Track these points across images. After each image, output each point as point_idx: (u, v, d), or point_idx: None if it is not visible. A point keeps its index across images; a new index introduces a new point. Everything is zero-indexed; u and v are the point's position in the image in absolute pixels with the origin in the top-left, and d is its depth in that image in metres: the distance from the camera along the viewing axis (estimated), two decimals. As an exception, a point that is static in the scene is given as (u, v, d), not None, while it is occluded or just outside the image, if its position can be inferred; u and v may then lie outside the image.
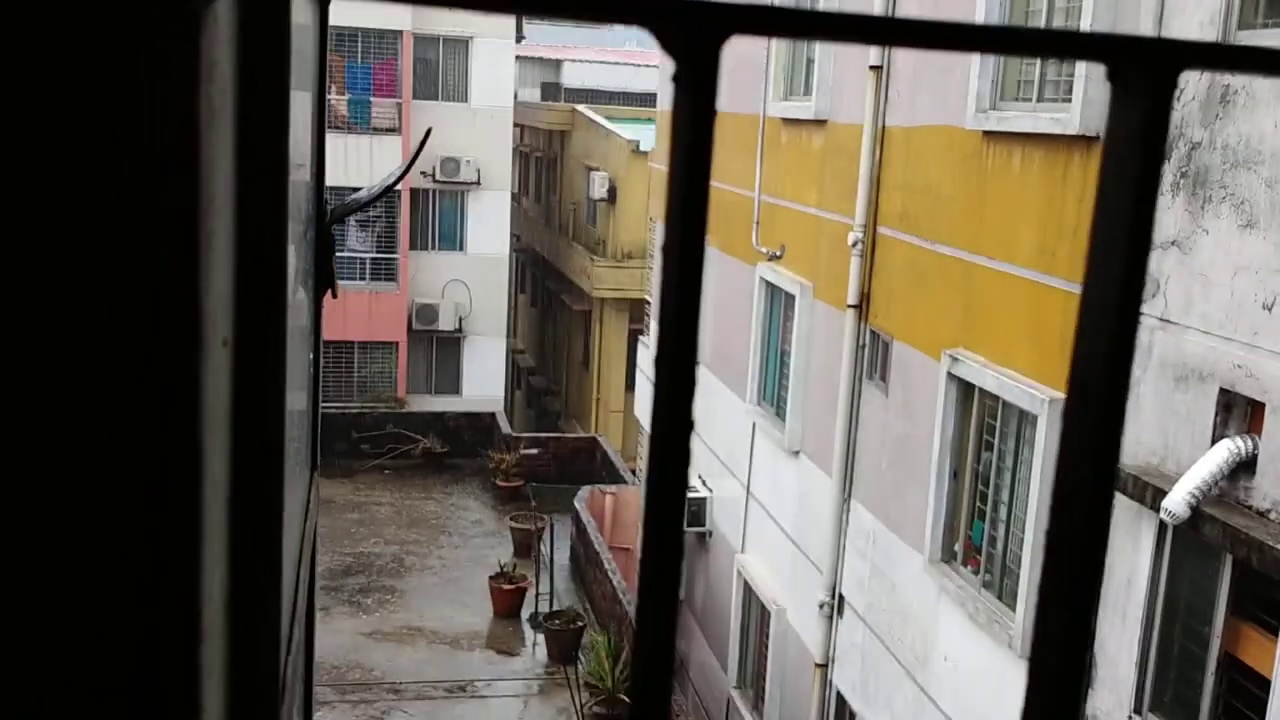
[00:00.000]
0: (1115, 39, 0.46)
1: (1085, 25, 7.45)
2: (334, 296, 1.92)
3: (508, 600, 17.99)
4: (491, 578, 18.20)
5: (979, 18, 8.67)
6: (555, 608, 17.50)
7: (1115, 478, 0.49)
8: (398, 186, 25.56)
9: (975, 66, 8.72)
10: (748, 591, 13.46)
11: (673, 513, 0.43)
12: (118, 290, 0.50)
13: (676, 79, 0.39)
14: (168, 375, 0.52)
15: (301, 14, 1.48)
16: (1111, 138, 0.46)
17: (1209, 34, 6.44)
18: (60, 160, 0.48)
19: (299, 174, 1.58)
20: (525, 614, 18.01)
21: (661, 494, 0.42)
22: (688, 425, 0.43)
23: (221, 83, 0.64)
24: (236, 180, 0.74)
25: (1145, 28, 6.90)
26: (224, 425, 0.74)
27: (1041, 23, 8.25)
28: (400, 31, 25.71)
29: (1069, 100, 7.72)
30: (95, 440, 0.53)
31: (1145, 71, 0.45)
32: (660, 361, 0.41)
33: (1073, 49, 0.47)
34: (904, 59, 10.08)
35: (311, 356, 1.86)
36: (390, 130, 25.73)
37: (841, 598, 11.10)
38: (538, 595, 17.83)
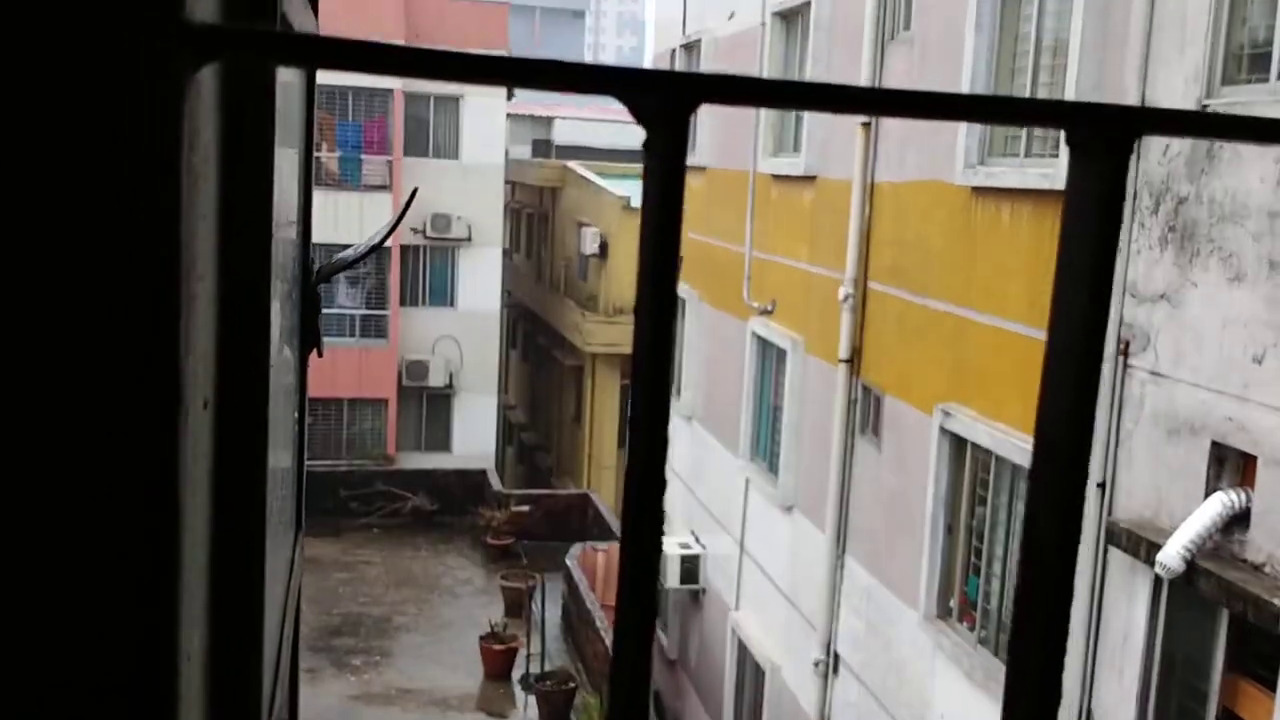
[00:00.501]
0: (1073, 106, 0.47)
1: (1071, 80, 7.54)
2: (319, 355, 1.90)
3: (498, 661, 17.78)
4: (482, 638, 18.00)
5: (965, 73, 8.77)
6: (547, 668, 17.30)
7: (1079, 530, 0.49)
8: (387, 243, 25.65)
9: (963, 122, 8.81)
10: (742, 649, 13.33)
11: (648, 571, 0.42)
12: (96, 352, 0.51)
13: (646, 146, 0.40)
14: (146, 437, 0.52)
15: (287, 72, 1.49)
16: (1071, 200, 0.47)
17: (1193, 90, 6.52)
18: (42, 223, 0.49)
19: (285, 232, 1.57)
20: (516, 675, 17.80)
21: (637, 545, 0.41)
22: (660, 485, 0.42)
23: (205, 149, 0.64)
24: (220, 243, 0.74)
25: (1129, 83, 6.98)
26: (205, 486, 0.73)
27: (1028, 78, 8.35)
28: (391, 90, 25.95)
29: (1056, 155, 7.79)
30: (72, 499, 0.52)
31: (1103, 137, 0.45)
32: (634, 424, 0.41)
33: (1031, 116, 0.49)
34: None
35: (297, 415, 1.84)
36: (381, 187, 25.87)
37: (837, 655, 11.00)
38: (529, 655, 17.63)
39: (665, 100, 0.40)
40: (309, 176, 1.95)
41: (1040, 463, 0.48)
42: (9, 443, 0.51)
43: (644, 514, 0.43)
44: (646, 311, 0.42)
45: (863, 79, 10.39)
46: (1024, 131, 8.38)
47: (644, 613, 0.43)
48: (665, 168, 0.41)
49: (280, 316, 1.50)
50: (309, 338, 1.83)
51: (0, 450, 0.51)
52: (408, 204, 3.44)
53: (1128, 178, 0.47)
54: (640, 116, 0.40)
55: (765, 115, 12.85)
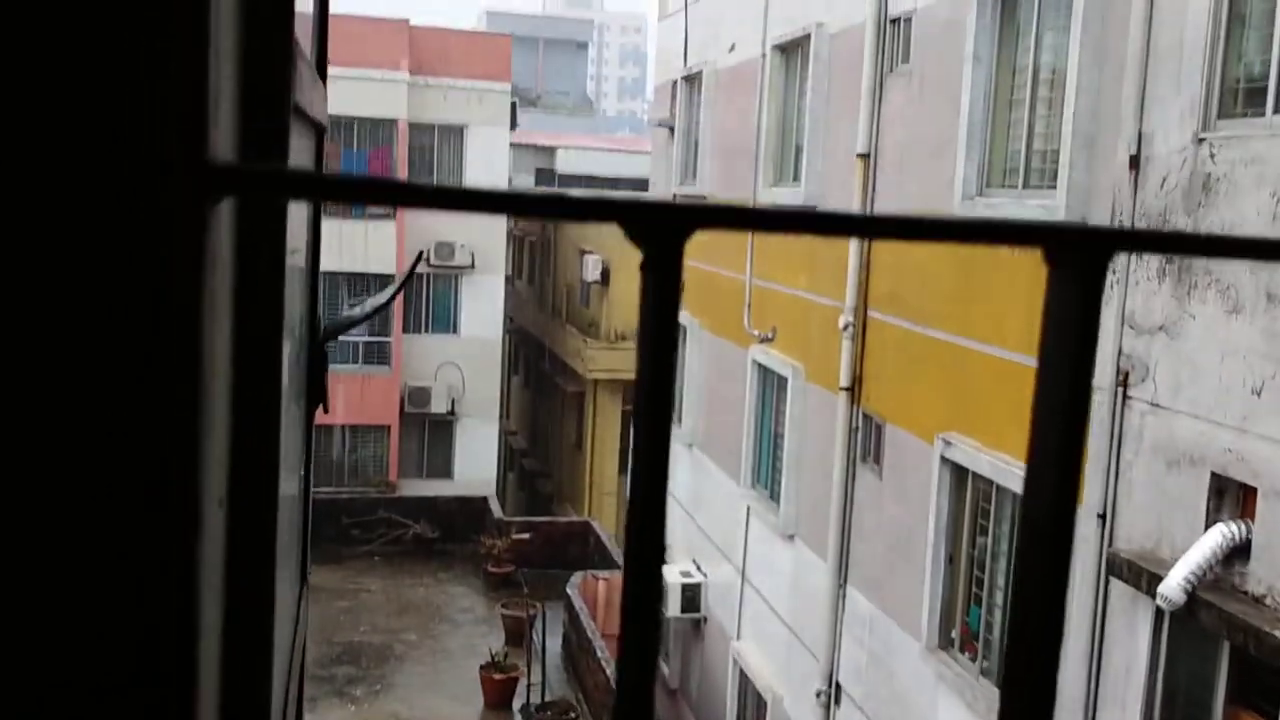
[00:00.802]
0: (1049, 227, 0.49)
1: (1068, 113, 7.58)
2: (325, 412, 1.93)
3: (499, 690, 17.70)
4: (482, 667, 17.93)
5: (964, 105, 8.83)
6: (548, 698, 17.22)
7: (1059, 653, 0.51)
8: (391, 270, 25.72)
9: (961, 153, 8.86)
10: (743, 679, 13.27)
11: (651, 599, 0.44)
12: (120, 464, 0.53)
13: (643, 267, 0.43)
14: (164, 538, 0.55)
15: (303, 145, 1.51)
16: (1049, 316, 0.50)
17: (1189, 123, 6.56)
18: (78, 347, 0.52)
19: (295, 294, 1.60)
20: (517, 705, 17.71)
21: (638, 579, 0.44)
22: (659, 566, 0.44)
23: (222, 269, 0.68)
24: (234, 349, 0.77)
25: (1126, 116, 7.03)
26: (217, 582, 0.75)
27: (1025, 110, 8.40)
28: (396, 120, 26.09)
29: (1054, 187, 7.83)
30: (93, 611, 0.54)
31: (1077, 256, 0.48)
32: (628, 536, 0.44)
33: (1008, 236, 0.51)
34: (891, 146, 10.24)
35: (303, 472, 1.86)
36: (385, 216, 25.96)
37: (839, 686, 10.95)
38: (529, 685, 17.55)
39: (662, 228, 0.43)
40: (318, 231, 1.97)
41: (1025, 564, 0.50)
42: (35, 550, 0.53)
43: (645, 552, 0.45)
44: (644, 429, 0.44)
45: (862, 112, 10.46)
46: (1022, 162, 8.43)
47: (647, 647, 0.45)
48: (661, 289, 0.43)
49: (288, 377, 1.53)
50: (315, 395, 1.85)
51: (25, 556, 0.53)
52: (414, 265, 3.48)
53: (1103, 292, 0.50)
54: (638, 241, 0.43)
55: (765, 145, 12.92)
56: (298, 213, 1.63)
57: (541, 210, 0.43)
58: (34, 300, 0.51)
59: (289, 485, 1.56)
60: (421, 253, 4.10)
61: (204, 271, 0.53)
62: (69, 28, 0.51)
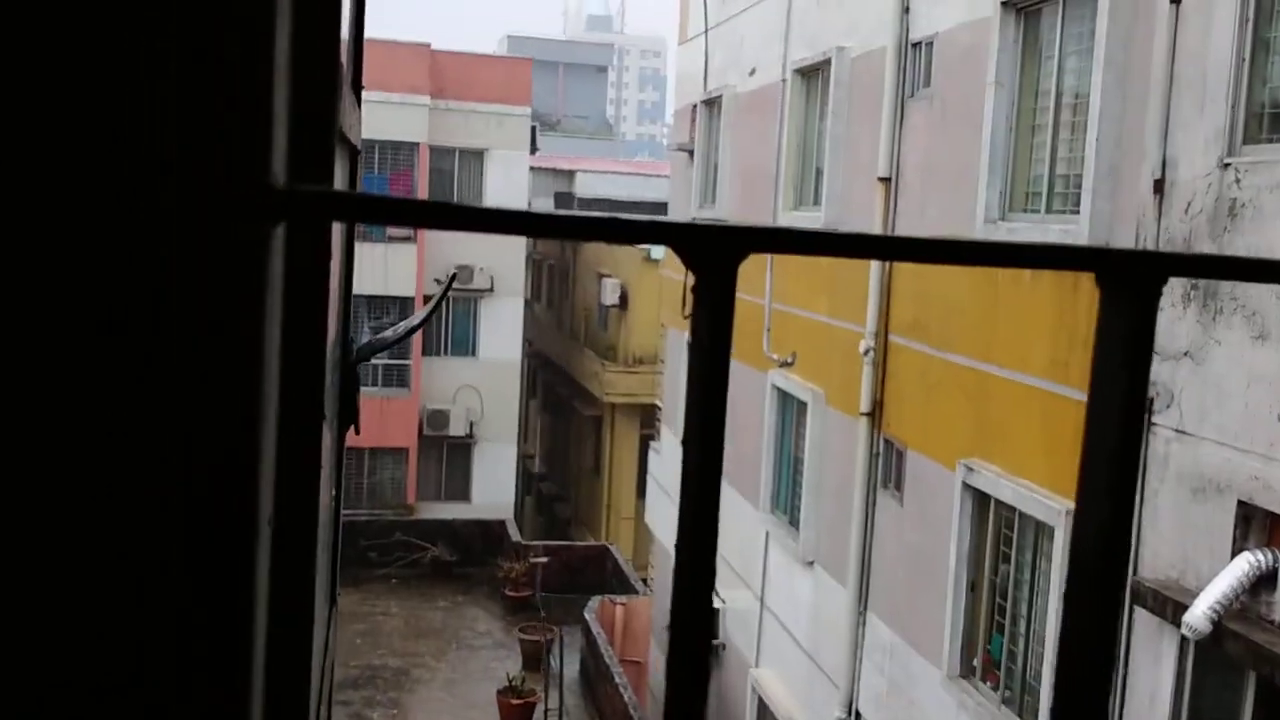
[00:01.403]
0: (1104, 252, 0.49)
1: (1091, 138, 7.55)
2: (357, 433, 1.92)
3: (516, 716, 17.63)
4: (499, 692, 17.87)
5: (985, 130, 8.81)
6: (565, 721, 17.15)
7: (1110, 679, 0.48)
8: (410, 294, 25.81)
9: (983, 177, 8.84)
10: (762, 707, 13.18)
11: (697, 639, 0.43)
12: (185, 478, 0.55)
13: (696, 291, 0.42)
14: (224, 560, 0.56)
15: (342, 167, 1.52)
16: (1101, 339, 0.49)
17: (1214, 149, 6.52)
18: (141, 365, 0.54)
19: (330, 319, 1.61)
20: (534, 728, 17.64)
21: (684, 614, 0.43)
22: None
23: (274, 286, 0.69)
24: (282, 370, 0.77)
25: (1150, 142, 6.99)
26: (263, 599, 0.76)
27: (1048, 135, 8.37)
28: (417, 144, 26.24)
29: (1077, 212, 7.80)
30: (153, 629, 0.55)
31: (1131, 281, 0.47)
32: (677, 574, 0.43)
33: (1063, 260, 0.50)
34: (912, 170, 10.22)
35: (335, 493, 1.86)
36: (405, 239, 26.09)
37: (859, 714, 10.86)
38: (547, 710, 17.48)
39: (715, 251, 0.44)
40: (351, 254, 1.97)
41: (1074, 594, 0.49)
42: (94, 557, 0.54)
43: (695, 589, 0.44)
44: (695, 445, 0.44)
45: (883, 136, 10.45)
46: (1045, 187, 8.40)
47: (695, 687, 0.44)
48: (713, 313, 0.44)
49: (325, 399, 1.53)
50: (348, 416, 1.84)
51: (85, 573, 0.54)
52: (446, 287, 3.50)
53: (1155, 319, 0.49)
54: (690, 264, 0.43)
55: (785, 168, 12.93)
56: (333, 236, 1.64)
57: (597, 234, 0.42)
58: (101, 322, 0.53)
59: (322, 509, 1.56)
60: (454, 274, 4.13)
61: (265, 293, 0.54)
62: (143, 54, 0.52)
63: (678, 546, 0.45)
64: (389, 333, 3.00)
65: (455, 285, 26.83)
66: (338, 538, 1.96)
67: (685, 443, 0.44)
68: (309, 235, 0.84)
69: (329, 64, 0.93)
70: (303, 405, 0.86)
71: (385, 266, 25.54)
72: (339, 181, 1.54)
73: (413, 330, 2.99)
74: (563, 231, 0.41)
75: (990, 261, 0.47)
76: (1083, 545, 0.50)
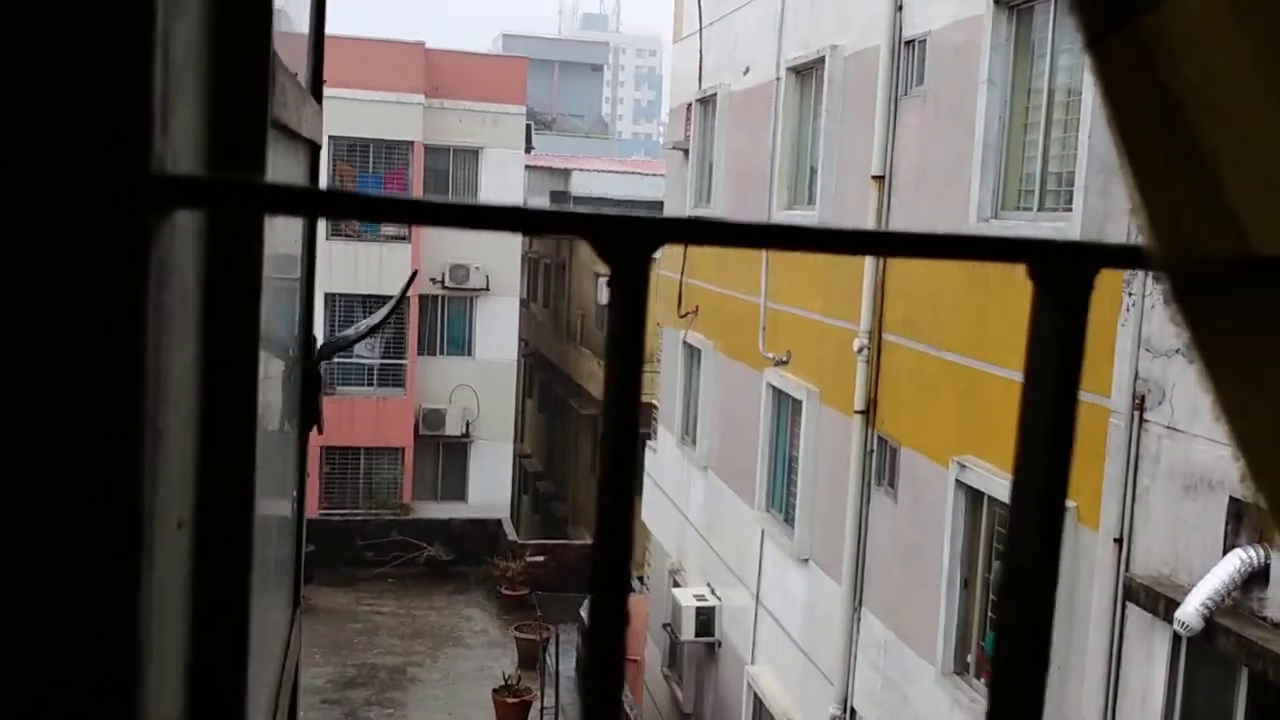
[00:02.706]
0: (1034, 243, 0.49)
1: (1084, 134, 7.57)
2: (319, 433, 1.92)
3: (512, 714, 17.64)
4: (495, 690, 17.88)
5: (978, 128, 8.82)
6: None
7: (1046, 671, 0.49)
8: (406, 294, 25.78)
9: (977, 176, 8.85)
10: (758, 704, 13.19)
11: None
12: (56, 485, 0.52)
13: (610, 283, 0.43)
14: (105, 563, 0.53)
15: (287, 164, 1.51)
16: (1034, 332, 0.49)
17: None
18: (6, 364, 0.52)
19: (288, 312, 1.59)
20: (530, 727, 17.65)
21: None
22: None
23: (181, 283, 0.67)
24: (202, 367, 0.76)
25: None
26: (179, 605, 0.74)
27: (1040, 133, 8.38)
28: (411, 142, 26.23)
29: (1070, 210, 7.81)
30: (30, 624, 0.53)
31: (1062, 273, 0.48)
32: (594, 565, 0.43)
33: (992, 251, 0.50)
34: (906, 168, 10.24)
35: (296, 494, 1.86)
36: (400, 239, 26.08)
37: (853, 711, 10.87)
38: (543, 709, 17.49)
39: (628, 242, 0.43)
40: (312, 250, 1.97)
41: (1007, 589, 0.49)
42: None
43: (611, 581, 0.46)
44: (610, 438, 0.44)
45: (876, 134, 10.46)
46: (1038, 185, 8.42)
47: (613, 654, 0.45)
48: (626, 302, 0.43)
49: (280, 397, 1.52)
50: (309, 416, 1.84)
51: None
52: (407, 284, 3.50)
53: (1087, 310, 0.49)
54: (604, 255, 0.43)
55: (780, 167, 12.94)
56: (290, 233, 1.63)
57: (503, 224, 0.42)
58: None
59: (278, 507, 1.55)
60: (415, 272, 4.13)
61: (146, 283, 0.52)
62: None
63: (594, 550, 0.46)
64: (350, 331, 3.00)
65: (451, 284, 26.82)
66: (301, 539, 1.95)
67: (602, 431, 0.45)
68: (232, 228, 0.82)
69: (258, 55, 0.91)
70: (230, 403, 0.84)
71: (380, 266, 25.52)
72: (292, 176, 1.53)
73: (374, 329, 2.99)
74: (463, 221, 0.42)
75: (916, 253, 0.48)
76: (1016, 541, 0.50)
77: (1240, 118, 0.45)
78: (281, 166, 1.34)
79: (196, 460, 0.79)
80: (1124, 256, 0.50)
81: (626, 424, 0.43)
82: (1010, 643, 0.48)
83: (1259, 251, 0.45)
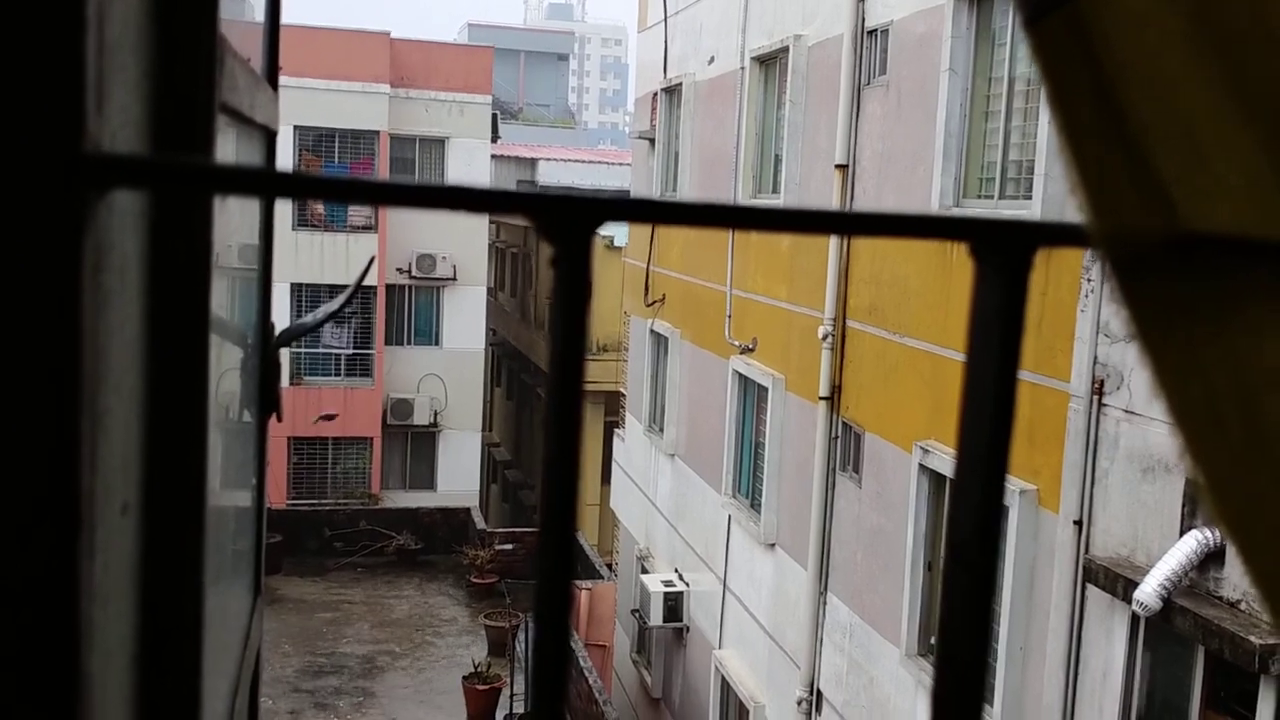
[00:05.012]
0: (975, 222, 0.50)
1: (1043, 122, 7.66)
2: (278, 420, 1.93)
3: (482, 701, 17.67)
4: (465, 678, 17.89)
5: (940, 116, 8.90)
6: (531, 708, 17.17)
7: (987, 643, 0.50)
8: (374, 283, 25.68)
9: (939, 164, 8.94)
10: (725, 688, 13.29)
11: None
12: None
13: (554, 262, 0.44)
14: (42, 545, 0.53)
15: (244, 151, 1.53)
16: (975, 309, 0.49)
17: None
18: None
19: (245, 297, 1.61)
20: (500, 715, 17.68)
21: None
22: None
23: (122, 264, 0.66)
24: (147, 348, 0.76)
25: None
26: (126, 593, 0.74)
27: (1001, 121, 8.47)
28: (377, 132, 26.08)
29: (1030, 197, 7.91)
30: None
31: (1003, 250, 0.48)
32: (542, 532, 0.45)
33: (937, 230, 0.51)
34: (869, 157, 10.31)
35: (255, 481, 1.86)
36: (366, 228, 25.94)
37: (819, 693, 10.98)
38: (512, 695, 17.53)
39: (569, 221, 0.44)
40: (270, 234, 1.99)
41: (951, 568, 0.50)
42: None
43: (557, 567, 0.45)
44: (554, 418, 0.45)
45: (840, 123, 10.53)
46: (999, 173, 8.51)
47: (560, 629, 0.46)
48: (571, 281, 0.44)
49: (239, 382, 1.53)
50: (268, 403, 1.85)
51: None
52: (364, 271, 3.50)
53: (1027, 286, 0.50)
54: (547, 235, 0.44)
55: (745, 156, 12.99)
56: (247, 219, 1.64)
57: (447, 203, 0.42)
58: None
59: (237, 495, 1.56)
60: (372, 258, 4.11)
61: (80, 262, 0.51)
62: None
63: (539, 534, 0.48)
64: (308, 318, 2.99)
65: (418, 274, 26.70)
66: (262, 527, 1.96)
67: (546, 414, 0.47)
68: (178, 211, 0.81)
69: (204, 37, 0.88)
70: (179, 388, 0.82)
71: (347, 255, 25.38)
72: (248, 163, 1.53)
73: (333, 315, 2.98)
74: (408, 200, 0.42)
75: (862, 231, 0.49)
76: (957, 520, 0.50)
77: (1170, 95, 0.45)
78: (234, 153, 1.35)
79: (142, 444, 0.78)
80: (1064, 235, 0.51)
81: (569, 403, 0.44)
82: (953, 611, 0.49)
83: (1189, 229, 0.46)
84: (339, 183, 0.42)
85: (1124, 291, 0.49)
